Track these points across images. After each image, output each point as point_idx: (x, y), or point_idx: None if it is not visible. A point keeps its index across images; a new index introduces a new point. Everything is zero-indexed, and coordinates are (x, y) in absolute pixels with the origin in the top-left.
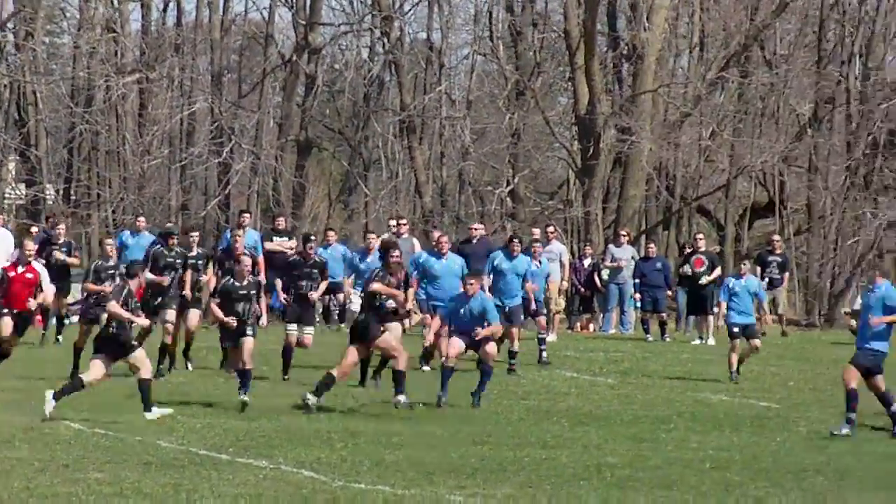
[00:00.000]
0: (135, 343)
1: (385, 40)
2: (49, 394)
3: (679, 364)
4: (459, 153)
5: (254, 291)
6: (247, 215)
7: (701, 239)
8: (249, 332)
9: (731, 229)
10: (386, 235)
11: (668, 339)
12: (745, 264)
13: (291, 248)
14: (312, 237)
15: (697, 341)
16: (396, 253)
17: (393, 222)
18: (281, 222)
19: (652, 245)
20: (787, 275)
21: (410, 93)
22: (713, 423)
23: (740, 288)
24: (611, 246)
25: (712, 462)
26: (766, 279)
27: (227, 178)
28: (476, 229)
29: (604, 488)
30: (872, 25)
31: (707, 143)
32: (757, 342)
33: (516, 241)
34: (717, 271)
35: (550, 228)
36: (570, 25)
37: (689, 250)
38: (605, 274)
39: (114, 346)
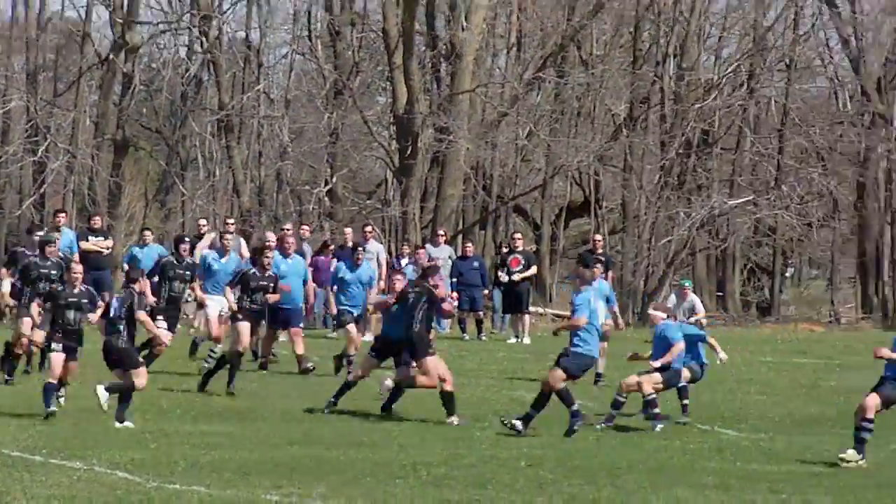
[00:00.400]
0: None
1: (203, 39)
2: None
3: (495, 363)
4: (277, 152)
5: (86, 300)
6: (62, 215)
7: (518, 238)
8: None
9: (548, 229)
10: (213, 234)
11: (484, 338)
12: (598, 266)
13: (108, 248)
14: (186, 238)
15: (513, 340)
16: (270, 254)
17: (202, 222)
18: (97, 221)
19: (469, 244)
20: (610, 273)
21: (228, 92)
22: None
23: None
24: (428, 245)
25: (527, 460)
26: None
27: (43, 177)
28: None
29: (419, 486)
30: (686, 26)
31: (524, 142)
32: (604, 343)
33: (361, 249)
34: (533, 270)
35: (368, 228)
36: (389, 25)
37: (505, 250)
38: None
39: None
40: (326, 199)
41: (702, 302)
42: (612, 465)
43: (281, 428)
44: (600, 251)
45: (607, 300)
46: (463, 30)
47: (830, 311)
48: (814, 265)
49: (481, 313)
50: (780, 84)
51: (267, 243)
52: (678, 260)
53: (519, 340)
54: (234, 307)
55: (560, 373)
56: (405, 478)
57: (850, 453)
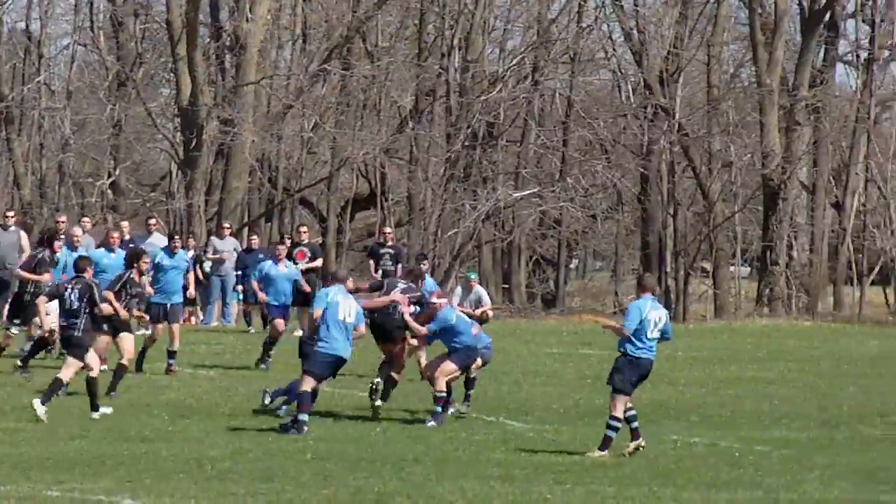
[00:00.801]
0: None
1: None
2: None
3: (281, 354)
4: (59, 144)
5: None
6: None
7: (304, 231)
8: None
9: (334, 221)
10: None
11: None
12: (424, 264)
13: None
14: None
15: (298, 333)
16: (147, 259)
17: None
18: None
19: (255, 237)
20: (400, 266)
21: (9, 83)
22: (314, 414)
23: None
24: (213, 238)
25: (313, 453)
26: (380, 271)
27: None
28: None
29: (204, 481)
30: (471, 18)
31: (309, 135)
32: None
33: (177, 237)
34: (318, 261)
35: (152, 220)
36: (173, 16)
37: (290, 242)
38: (207, 266)
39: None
40: (109, 191)
41: (488, 294)
42: (398, 458)
43: (57, 423)
44: (390, 243)
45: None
46: (247, 21)
47: (615, 302)
48: (598, 257)
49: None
50: (564, 77)
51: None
52: (464, 252)
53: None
54: None
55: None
56: (189, 472)
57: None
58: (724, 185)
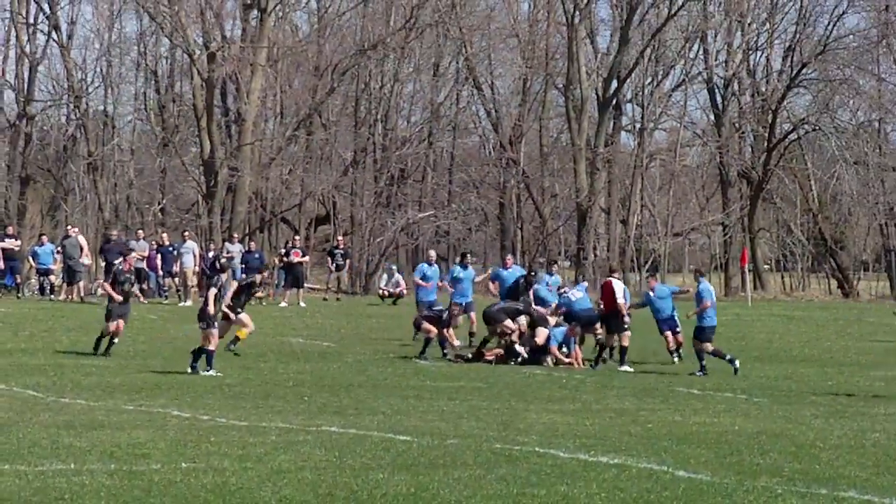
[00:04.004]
0: None
1: (76, 110)
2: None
3: (271, 319)
4: (126, 184)
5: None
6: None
7: (297, 239)
8: None
9: (303, 232)
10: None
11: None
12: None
13: (17, 246)
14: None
15: (283, 304)
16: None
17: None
18: (10, 230)
19: (253, 243)
20: (348, 261)
21: (94, 144)
22: (292, 357)
23: None
24: (227, 243)
25: (294, 382)
26: (335, 264)
27: None
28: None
29: (223, 399)
30: (389, 102)
31: (286, 177)
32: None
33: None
34: (306, 258)
35: (186, 233)
36: (197, 101)
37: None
38: (222, 260)
39: None
40: (160, 213)
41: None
42: (349, 384)
43: (133, 360)
44: (341, 247)
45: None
46: (245, 104)
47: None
48: (473, 255)
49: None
50: (448, 139)
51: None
52: (387, 252)
53: (297, 304)
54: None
55: None
56: (213, 393)
57: None
58: (552, 209)
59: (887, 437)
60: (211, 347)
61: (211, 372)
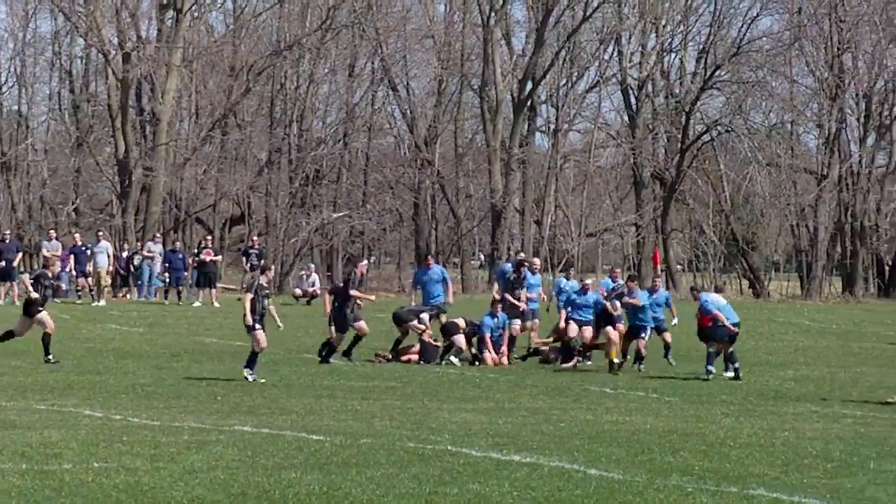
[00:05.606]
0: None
1: None
2: None
3: (185, 319)
4: (40, 183)
5: None
6: None
7: (209, 239)
8: None
9: (218, 233)
10: None
11: (180, 304)
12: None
13: None
14: None
15: (197, 304)
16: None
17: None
18: None
19: (178, 242)
20: (263, 261)
21: (8, 144)
22: (206, 356)
23: None
24: (149, 243)
25: (207, 381)
26: (249, 264)
27: None
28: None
29: (136, 399)
30: (304, 102)
31: (201, 177)
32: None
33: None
34: (219, 257)
35: (101, 233)
36: (112, 100)
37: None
38: (136, 260)
39: None
40: (73, 213)
41: (319, 278)
42: (263, 384)
43: (42, 362)
44: (256, 247)
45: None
46: (160, 103)
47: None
48: (388, 255)
49: (181, 287)
50: (364, 140)
51: None
52: (302, 252)
53: (211, 304)
54: None
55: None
56: (127, 393)
57: None
58: (467, 210)
59: (796, 435)
60: (257, 350)
61: (252, 377)
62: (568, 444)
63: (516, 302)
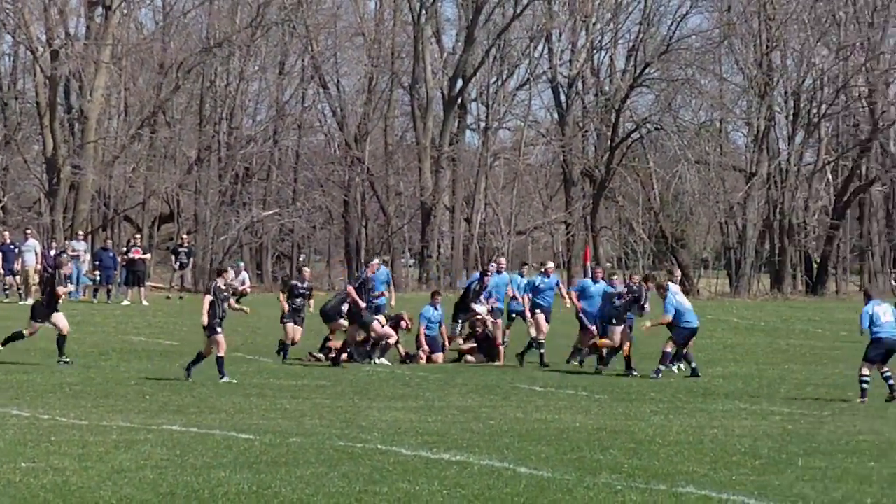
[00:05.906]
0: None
1: None
2: None
3: (114, 317)
4: None
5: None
6: None
7: (138, 238)
8: None
9: (147, 231)
10: None
11: (109, 302)
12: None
13: None
14: None
15: (126, 302)
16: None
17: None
18: None
19: (109, 241)
20: (192, 259)
21: None
22: (134, 355)
23: None
24: (73, 242)
25: (135, 380)
26: (178, 263)
27: None
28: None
29: (64, 398)
30: (234, 100)
31: (130, 174)
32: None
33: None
34: (148, 255)
35: (29, 231)
36: (40, 98)
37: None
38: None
39: None
40: (1, 211)
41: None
42: (197, 385)
43: None
44: (185, 245)
45: None
46: (88, 101)
47: (329, 283)
48: (318, 253)
49: (111, 286)
50: (294, 138)
51: None
52: (232, 250)
53: (140, 303)
54: None
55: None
56: (54, 393)
57: None
58: (397, 208)
59: (725, 433)
60: (220, 353)
61: (226, 379)
62: (498, 443)
63: (476, 310)
